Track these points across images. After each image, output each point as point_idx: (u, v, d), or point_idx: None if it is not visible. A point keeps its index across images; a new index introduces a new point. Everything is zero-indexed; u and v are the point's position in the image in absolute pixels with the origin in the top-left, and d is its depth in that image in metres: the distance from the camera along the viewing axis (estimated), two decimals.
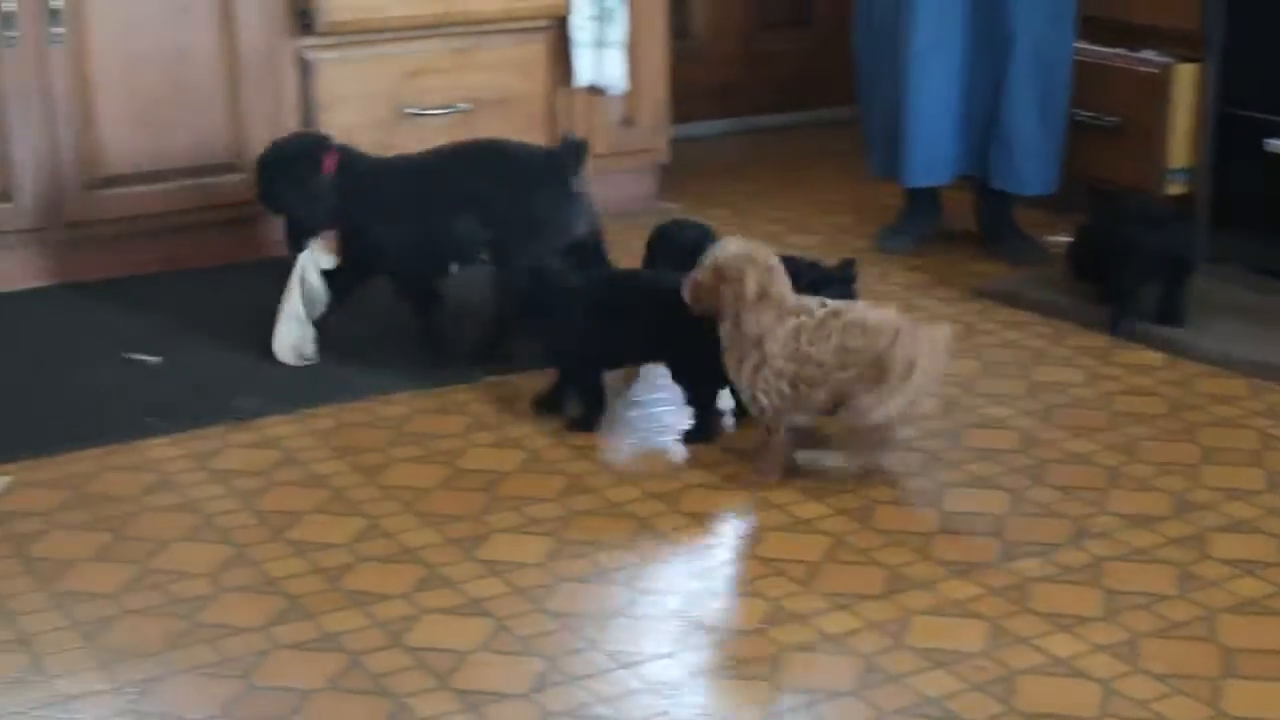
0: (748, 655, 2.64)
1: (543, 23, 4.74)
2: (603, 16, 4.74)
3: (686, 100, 5.64)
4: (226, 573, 2.90)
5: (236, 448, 3.40)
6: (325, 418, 3.54)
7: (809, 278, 3.51)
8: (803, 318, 3.19)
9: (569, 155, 3.81)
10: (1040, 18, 4.41)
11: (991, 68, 4.44)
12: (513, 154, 3.86)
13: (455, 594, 2.83)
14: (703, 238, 3.71)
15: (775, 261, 3.23)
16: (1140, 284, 4.02)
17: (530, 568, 2.91)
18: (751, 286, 3.17)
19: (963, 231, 4.77)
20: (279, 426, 3.50)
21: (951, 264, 4.55)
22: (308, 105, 4.49)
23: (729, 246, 3.24)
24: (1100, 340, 3.98)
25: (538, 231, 3.72)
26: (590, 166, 4.82)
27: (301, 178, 3.77)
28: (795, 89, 6.10)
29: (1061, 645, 2.65)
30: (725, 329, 3.23)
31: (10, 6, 4.08)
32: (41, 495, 3.19)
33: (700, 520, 3.10)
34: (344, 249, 3.81)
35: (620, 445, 3.42)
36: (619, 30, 4.76)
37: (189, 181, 4.39)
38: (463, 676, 2.58)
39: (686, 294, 3.25)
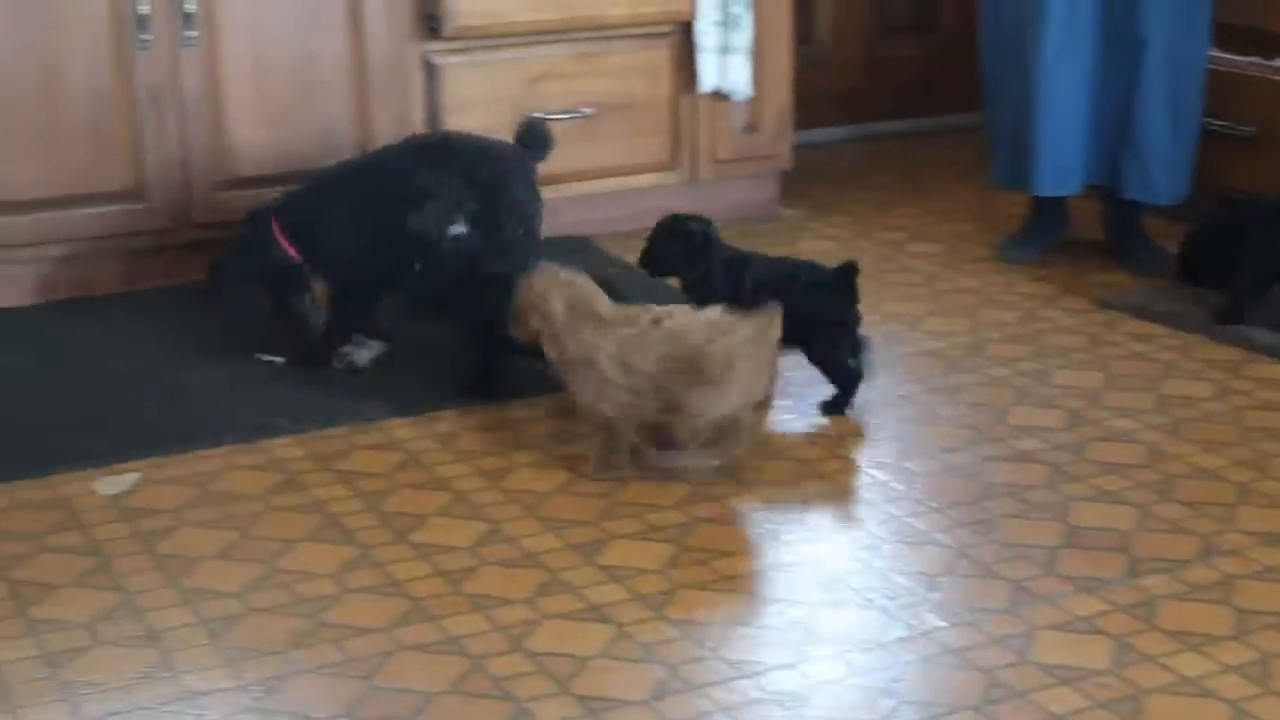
0: (869, 667, 2.63)
1: (667, 28, 4.75)
2: (728, 22, 4.74)
3: (808, 106, 5.62)
4: (351, 573, 2.93)
5: (361, 449, 3.43)
6: (447, 421, 3.56)
7: (807, 280, 3.54)
8: (625, 330, 3.22)
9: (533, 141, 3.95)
10: (1172, 23, 4.35)
11: (1122, 74, 4.38)
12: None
13: (576, 599, 2.83)
14: (703, 231, 3.74)
15: (584, 281, 3.29)
16: (1262, 282, 3.99)
17: (650, 574, 2.92)
18: (557, 308, 3.23)
19: (1089, 241, 4.71)
20: (402, 429, 3.52)
21: (1077, 274, 4.49)
22: (433, 109, 4.52)
23: (532, 278, 3.30)
24: (1231, 353, 3.91)
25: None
26: (710, 171, 4.85)
27: None
28: (918, 95, 6.06)
29: (1190, 664, 2.61)
30: (553, 356, 3.27)
31: (145, 10, 4.15)
32: (169, 492, 3.24)
33: (822, 530, 3.09)
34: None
35: (742, 454, 3.41)
36: (744, 36, 4.76)
37: None
38: (583, 682, 2.58)
39: (513, 330, 3.32)
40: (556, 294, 3.25)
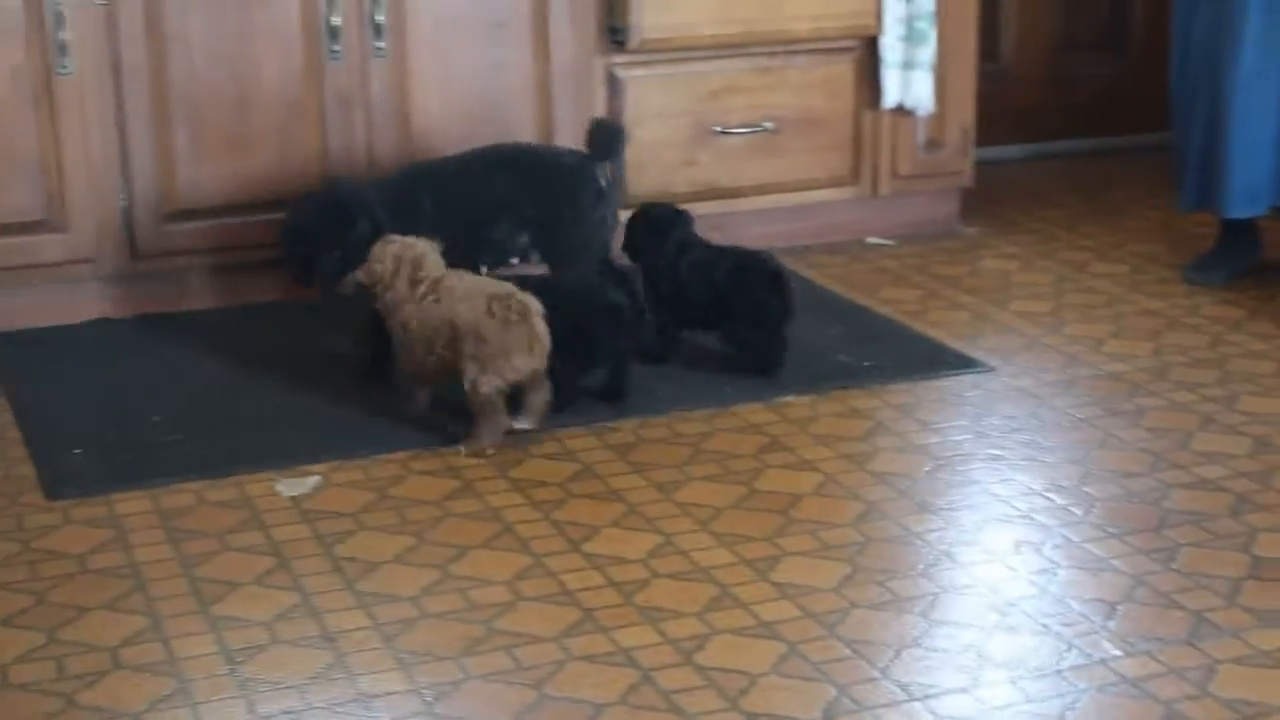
0: (1043, 694, 2.59)
1: (851, 43, 4.73)
2: (912, 37, 4.71)
3: (991, 123, 5.56)
4: (524, 581, 2.95)
5: (537, 459, 3.46)
6: (624, 433, 3.58)
7: (730, 264, 3.85)
8: (423, 288, 3.48)
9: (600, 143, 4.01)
10: None
11: None
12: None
13: (747, 615, 2.83)
14: (674, 218, 3.97)
15: (425, 247, 3.53)
16: None
17: (823, 593, 2.90)
18: (388, 265, 3.50)
19: (1279, 264, 4.61)
20: (577, 439, 3.54)
21: (1266, 299, 4.39)
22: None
23: (383, 240, 3.57)
24: None
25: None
26: (890, 186, 4.83)
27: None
28: (1104, 113, 5.96)
29: None
30: (379, 308, 3.56)
31: (337, 21, 4.22)
32: (349, 496, 3.29)
33: (998, 553, 3.05)
34: None
35: (919, 475, 3.38)
36: (928, 51, 4.72)
37: None
38: (753, 699, 2.58)
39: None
40: (388, 252, 3.52)
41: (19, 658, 2.70)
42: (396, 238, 3.57)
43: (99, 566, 3.00)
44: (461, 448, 3.47)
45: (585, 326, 3.59)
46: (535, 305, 3.42)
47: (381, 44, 4.28)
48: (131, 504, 3.24)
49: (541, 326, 3.42)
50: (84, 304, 4.23)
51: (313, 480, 3.34)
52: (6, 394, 3.78)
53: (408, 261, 3.52)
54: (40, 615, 2.83)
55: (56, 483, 3.32)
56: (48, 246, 4.13)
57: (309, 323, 4.16)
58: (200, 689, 2.62)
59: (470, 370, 3.42)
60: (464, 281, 3.52)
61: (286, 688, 2.63)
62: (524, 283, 3.53)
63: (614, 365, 3.69)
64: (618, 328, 3.65)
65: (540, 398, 3.50)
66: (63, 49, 4.03)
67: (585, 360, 3.62)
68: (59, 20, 4.01)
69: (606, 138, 4.05)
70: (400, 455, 3.46)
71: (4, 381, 3.85)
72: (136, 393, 3.77)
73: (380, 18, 4.25)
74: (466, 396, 3.45)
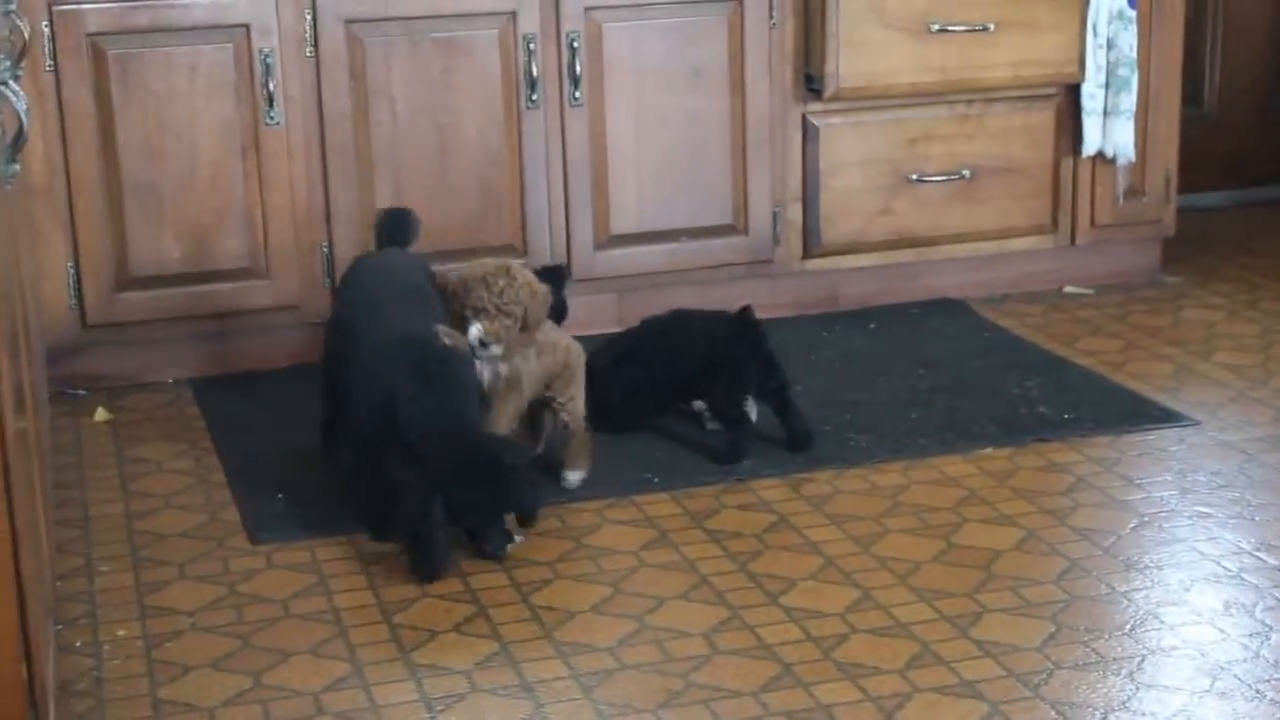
0: None
1: (1051, 90, 4.67)
2: (1114, 85, 4.63)
3: (1195, 169, 5.45)
4: (721, 634, 2.94)
5: (731, 509, 3.44)
6: (819, 483, 3.55)
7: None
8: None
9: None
10: None
11: None
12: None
13: (948, 673, 2.79)
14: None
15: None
16: None
17: (1027, 651, 2.85)
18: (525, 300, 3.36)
19: None
20: (772, 490, 3.52)
21: None
22: (811, 169, 4.53)
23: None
24: None
25: None
26: (1089, 235, 4.75)
27: None
28: None
29: None
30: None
31: (537, 71, 4.27)
32: (547, 545, 3.30)
33: (1207, 614, 2.97)
34: None
35: (1123, 531, 3.31)
36: (1130, 99, 4.64)
37: (694, 242, 4.48)
38: None
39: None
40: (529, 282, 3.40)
41: (226, 701, 2.75)
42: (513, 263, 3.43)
43: (302, 611, 3.05)
44: (580, 476, 3.52)
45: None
46: None
47: (579, 93, 4.31)
48: (332, 549, 3.28)
49: None
50: (287, 350, 4.31)
51: (511, 539, 3.33)
52: (213, 438, 3.86)
53: (542, 296, 3.41)
54: (246, 659, 2.88)
55: (260, 527, 3.38)
56: (253, 293, 4.22)
57: None
58: None
59: (579, 403, 3.51)
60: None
61: None
62: None
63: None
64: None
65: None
66: (270, 100, 4.12)
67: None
68: (268, 71, 4.11)
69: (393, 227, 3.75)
70: (595, 504, 3.47)
71: (210, 426, 3.93)
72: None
73: (579, 68, 4.29)
74: (570, 431, 3.51)
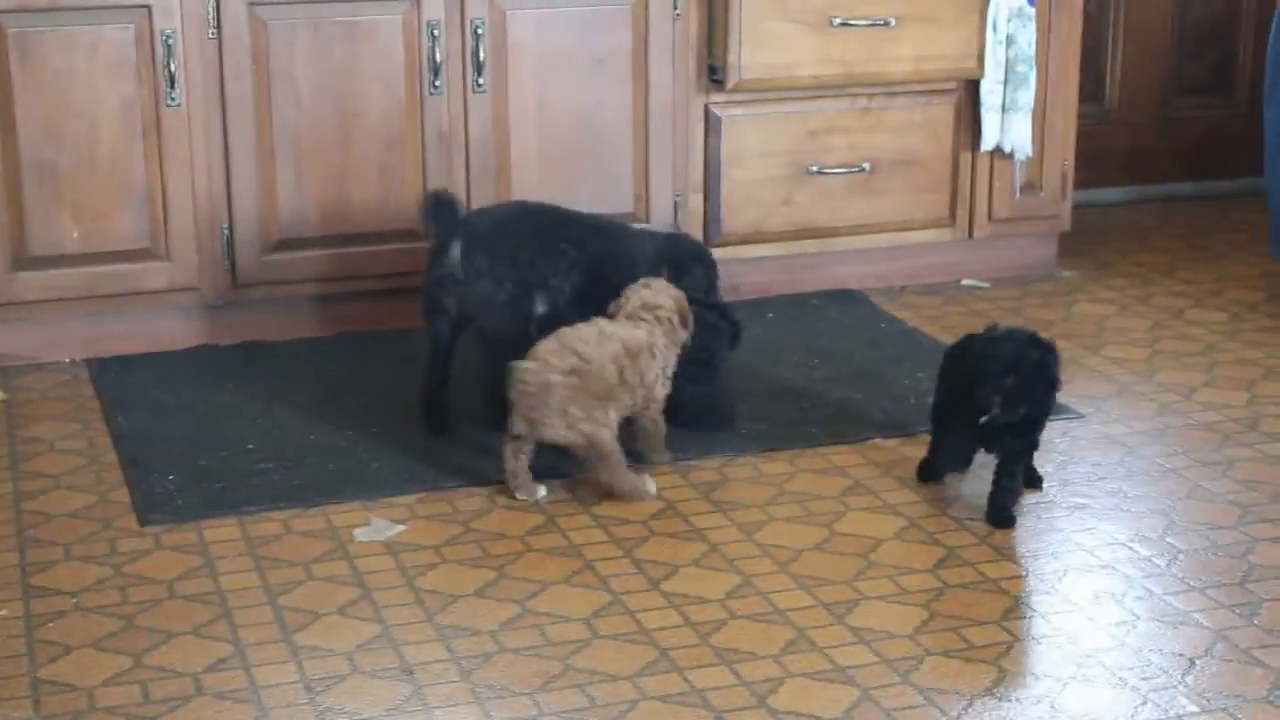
0: None
1: (950, 85, 4.73)
2: (1013, 81, 4.70)
3: (1095, 165, 5.54)
4: (601, 619, 2.98)
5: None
6: (708, 471, 3.60)
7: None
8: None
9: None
10: None
11: None
12: None
13: (822, 659, 2.84)
14: None
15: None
16: None
17: (899, 638, 2.90)
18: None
19: None
20: (661, 477, 3.56)
21: None
22: (713, 160, 4.58)
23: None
24: None
25: None
26: (987, 229, 4.82)
27: None
28: (1210, 157, 5.91)
29: None
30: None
31: (440, 57, 4.29)
32: (435, 528, 3.33)
33: (1078, 604, 3.04)
34: None
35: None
36: (1028, 95, 4.71)
37: None
38: None
39: None
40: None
41: (105, 681, 2.76)
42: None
43: (187, 592, 3.07)
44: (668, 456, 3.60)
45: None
46: None
47: (482, 80, 4.34)
48: (221, 531, 3.30)
49: None
50: (186, 331, 4.32)
51: (395, 528, 3.35)
52: (107, 419, 3.86)
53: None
54: (128, 639, 2.90)
55: (149, 508, 3.39)
56: (152, 274, 4.22)
57: (405, 352, 4.21)
58: (279, 717, 2.67)
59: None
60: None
61: (363, 719, 2.67)
62: None
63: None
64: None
65: None
66: (172, 81, 4.12)
67: None
68: (169, 52, 4.11)
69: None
70: (486, 489, 3.50)
71: (105, 407, 3.93)
72: (232, 420, 3.84)
73: (482, 54, 4.31)
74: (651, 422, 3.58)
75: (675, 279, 3.75)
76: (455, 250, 3.68)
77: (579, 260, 3.77)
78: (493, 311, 3.69)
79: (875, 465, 3.62)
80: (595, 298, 3.68)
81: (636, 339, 3.49)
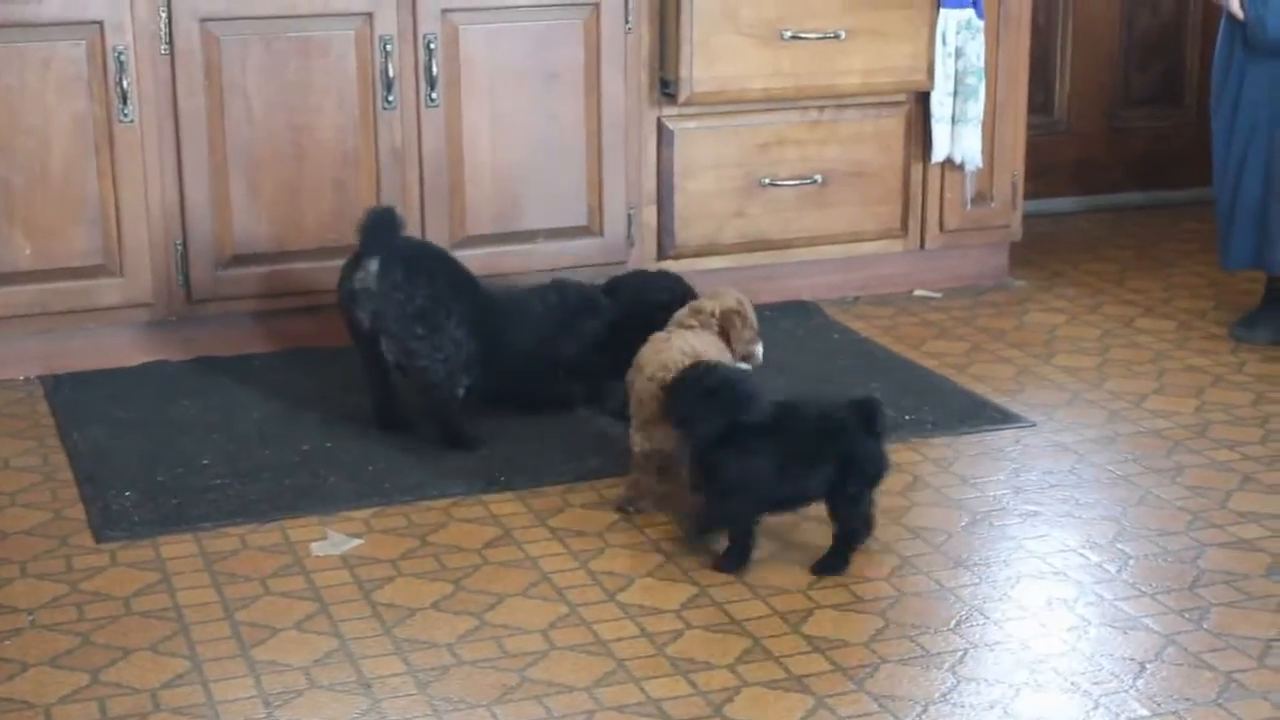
0: None
1: (901, 97, 4.77)
2: (962, 93, 4.74)
3: (1045, 176, 5.59)
4: (558, 630, 2.99)
5: (575, 508, 3.50)
6: (663, 485, 3.61)
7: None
8: None
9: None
10: None
11: None
12: None
13: (777, 668, 2.86)
14: None
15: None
16: None
17: (854, 647, 2.93)
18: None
19: None
20: (617, 489, 3.58)
21: None
22: (666, 172, 4.60)
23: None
24: None
25: None
26: (938, 239, 4.86)
27: None
28: (1159, 167, 5.98)
29: None
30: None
31: (393, 72, 4.30)
32: (391, 542, 3.34)
33: (1030, 610, 3.07)
34: None
35: (955, 530, 3.40)
36: (977, 107, 4.75)
37: (550, 243, 4.53)
38: None
39: None
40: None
41: (63, 698, 2.76)
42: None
43: (144, 609, 3.07)
44: None
45: None
46: None
47: (435, 94, 4.35)
48: (178, 547, 3.30)
49: None
50: (140, 347, 4.31)
51: (352, 542, 3.35)
52: (61, 436, 3.85)
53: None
54: (84, 656, 2.90)
55: (106, 525, 3.39)
56: (105, 291, 4.22)
57: (359, 368, 4.22)
58: None
59: None
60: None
61: None
62: None
63: None
64: None
65: None
66: (124, 97, 4.12)
67: None
68: (122, 68, 4.11)
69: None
70: (443, 502, 3.51)
71: (59, 424, 3.93)
72: (187, 436, 3.84)
73: (436, 69, 4.32)
74: None
75: (569, 331, 3.91)
76: (373, 264, 3.73)
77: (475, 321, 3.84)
78: (402, 327, 3.74)
79: None
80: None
81: (717, 347, 3.53)
